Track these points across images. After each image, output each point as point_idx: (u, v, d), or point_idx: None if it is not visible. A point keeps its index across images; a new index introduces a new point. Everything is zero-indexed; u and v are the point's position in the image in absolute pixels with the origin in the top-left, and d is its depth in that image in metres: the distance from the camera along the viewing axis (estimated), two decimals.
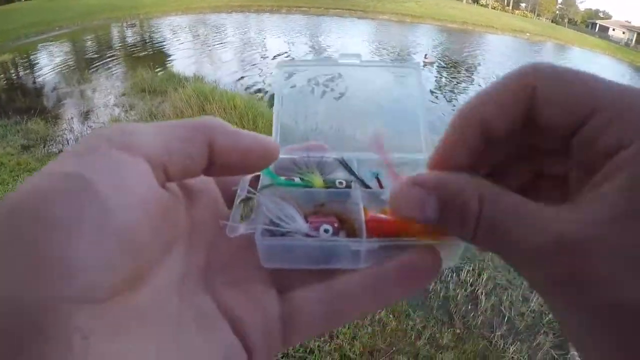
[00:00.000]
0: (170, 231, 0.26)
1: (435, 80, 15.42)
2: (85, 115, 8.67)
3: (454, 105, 11.96)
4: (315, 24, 30.74)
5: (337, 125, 0.44)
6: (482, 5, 75.88)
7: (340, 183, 0.35)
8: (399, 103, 0.44)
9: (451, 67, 18.43)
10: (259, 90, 11.39)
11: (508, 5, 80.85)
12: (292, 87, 0.43)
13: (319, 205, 0.33)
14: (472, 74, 17.88)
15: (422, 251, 0.30)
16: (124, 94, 10.01)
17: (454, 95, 13.62)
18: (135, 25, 24.95)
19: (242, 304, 0.28)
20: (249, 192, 0.32)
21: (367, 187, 0.36)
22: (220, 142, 0.27)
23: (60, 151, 6.69)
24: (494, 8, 72.84)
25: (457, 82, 15.77)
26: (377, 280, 0.29)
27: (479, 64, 20.45)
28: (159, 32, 23.25)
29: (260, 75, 13.12)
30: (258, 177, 0.35)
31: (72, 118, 8.45)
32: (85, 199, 0.21)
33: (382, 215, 0.31)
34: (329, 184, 0.35)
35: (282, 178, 0.35)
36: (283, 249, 0.28)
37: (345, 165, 0.38)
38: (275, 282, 0.30)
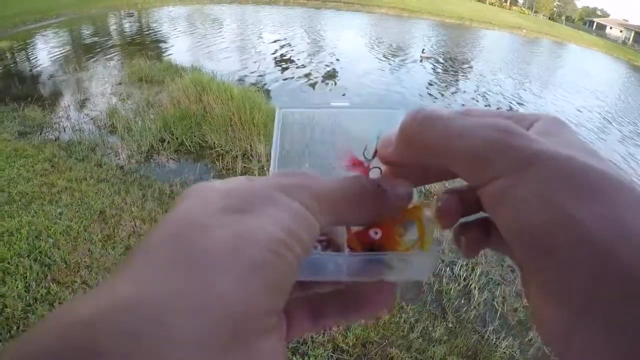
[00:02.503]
0: None
1: (432, 75, 15.44)
2: (82, 104, 8.64)
3: (449, 102, 11.98)
4: (312, 17, 30.65)
5: (328, 163, 0.47)
6: (479, 1, 75.78)
7: None
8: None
9: (447, 62, 18.44)
10: (256, 82, 11.37)
11: (506, 1, 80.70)
12: (290, 126, 0.47)
13: None
14: (468, 69, 17.90)
15: (377, 287, 0.35)
16: (120, 83, 9.98)
17: (449, 90, 13.64)
18: (133, 15, 24.82)
19: None
20: None
21: None
22: None
23: (57, 138, 6.69)
24: (491, 4, 72.75)
25: (453, 78, 15.78)
26: (346, 300, 0.35)
27: (474, 59, 20.48)
28: (157, 21, 23.11)
29: (257, 68, 13.10)
30: None
31: (68, 106, 8.41)
32: None
33: (374, 231, 0.35)
34: None
35: None
36: None
37: None
38: None
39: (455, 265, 4.47)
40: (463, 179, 0.29)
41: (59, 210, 4.56)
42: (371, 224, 0.34)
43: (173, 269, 0.22)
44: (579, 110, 14.10)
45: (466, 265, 4.47)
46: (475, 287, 4.21)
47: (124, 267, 0.23)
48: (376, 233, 0.34)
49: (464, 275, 4.36)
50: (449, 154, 0.28)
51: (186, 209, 0.26)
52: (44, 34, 17.42)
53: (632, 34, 65.94)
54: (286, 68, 13.53)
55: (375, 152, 0.35)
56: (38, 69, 11.85)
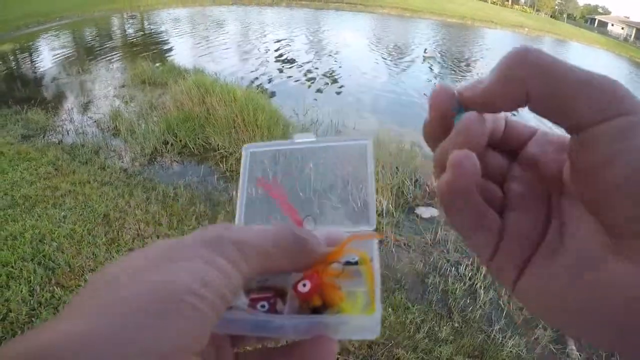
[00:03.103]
0: None
1: (435, 74, 15.44)
2: (85, 106, 8.67)
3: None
4: (315, 18, 30.70)
5: (298, 201, 0.48)
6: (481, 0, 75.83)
7: None
8: (350, 176, 0.49)
9: (450, 61, 18.43)
10: (259, 83, 11.38)
11: (507, 0, 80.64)
12: (258, 165, 0.49)
13: (263, 281, 0.38)
14: (471, 68, 17.88)
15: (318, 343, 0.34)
16: (123, 85, 10.01)
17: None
18: (135, 17, 24.91)
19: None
20: None
21: None
22: None
23: (60, 141, 6.71)
24: (493, 3, 72.77)
25: (456, 77, 15.77)
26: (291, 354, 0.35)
27: (478, 59, 20.46)
28: (160, 24, 23.18)
29: (260, 69, 13.12)
30: None
31: (72, 108, 8.44)
32: None
33: (303, 283, 0.36)
34: None
35: None
36: (226, 321, 0.33)
37: None
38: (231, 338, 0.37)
39: (461, 265, 4.45)
40: (575, 114, 0.26)
41: (62, 213, 4.56)
42: (306, 275, 0.35)
43: (96, 315, 0.24)
44: None
45: (471, 264, 4.46)
46: (480, 287, 4.19)
47: (64, 311, 0.25)
48: (304, 285, 0.35)
49: (469, 274, 4.34)
50: (571, 82, 0.26)
51: (113, 266, 0.28)
52: (46, 36, 17.51)
53: (634, 31, 66.01)
54: (289, 68, 13.54)
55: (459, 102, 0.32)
56: (41, 71, 11.92)
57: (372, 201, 0.46)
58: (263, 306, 0.35)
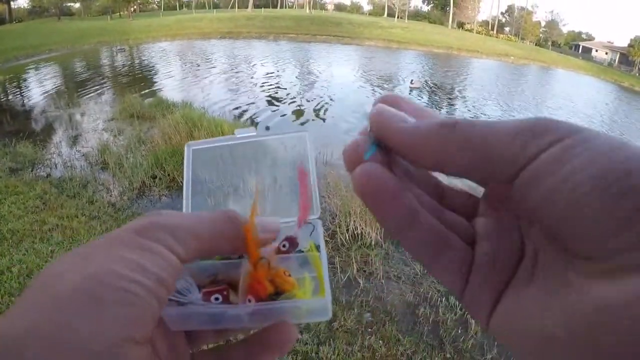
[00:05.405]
0: None
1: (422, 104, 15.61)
2: (74, 140, 8.67)
3: None
4: (302, 50, 31.12)
5: (246, 195, 0.51)
6: (467, 30, 77.21)
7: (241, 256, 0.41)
8: (290, 167, 0.51)
9: (435, 91, 18.74)
10: (247, 117, 11.52)
11: (492, 29, 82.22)
12: (201, 162, 0.50)
13: (213, 276, 0.39)
14: (457, 97, 18.27)
15: (279, 329, 0.36)
16: (112, 119, 10.06)
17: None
18: (124, 50, 25.10)
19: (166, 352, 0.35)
20: None
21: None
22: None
23: (49, 175, 6.68)
24: (478, 33, 73.93)
25: (442, 106, 16.07)
26: (250, 345, 0.37)
27: (463, 87, 20.84)
28: (149, 57, 23.38)
29: (248, 102, 13.25)
30: None
31: (60, 142, 8.46)
32: None
33: (289, 274, 0.38)
34: (225, 255, 0.40)
35: None
36: (182, 316, 0.35)
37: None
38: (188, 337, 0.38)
39: (451, 295, 4.45)
40: (493, 173, 0.25)
41: (50, 248, 4.54)
42: (252, 263, 0.37)
43: (34, 312, 0.25)
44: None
45: None
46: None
47: (8, 312, 0.26)
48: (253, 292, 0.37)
49: (460, 304, 4.31)
50: (496, 137, 0.24)
51: (55, 264, 0.29)
52: (36, 69, 17.56)
53: (618, 56, 67.15)
54: (277, 100, 13.66)
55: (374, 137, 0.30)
56: (30, 104, 11.98)
57: (315, 190, 0.47)
58: (217, 299, 0.36)
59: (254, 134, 0.49)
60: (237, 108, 12.38)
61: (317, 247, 0.41)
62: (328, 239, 5.08)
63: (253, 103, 13.21)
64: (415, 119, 0.28)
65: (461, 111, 15.56)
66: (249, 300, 0.36)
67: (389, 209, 0.28)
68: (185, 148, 0.50)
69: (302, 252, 0.41)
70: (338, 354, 3.47)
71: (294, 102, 13.78)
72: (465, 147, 0.25)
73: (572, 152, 0.22)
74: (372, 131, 0.29)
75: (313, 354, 3.45)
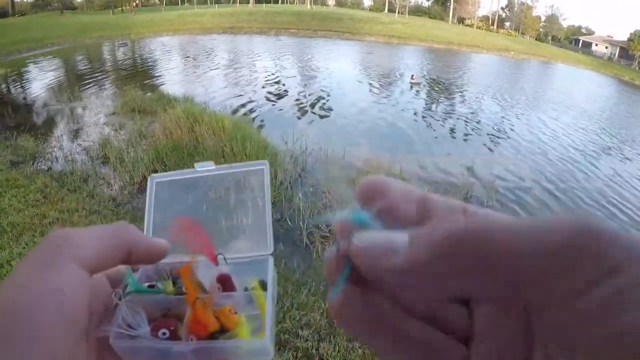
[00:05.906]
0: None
1: (421, 99, 15.67)
2: (75, 133, 8.70)
3: (433, 129, 11.95)
4: (304, 46, 31.07)
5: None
6: (467, 25, 76.82)
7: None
8: (250, 202, 0.52)
9: (436, 86, 18.74)
10: (248, 112, 11.54)
11: (492, 24, 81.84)
12: (162, 193, 0.52)
13: (165, 310, 0.40)
14: (458, 92, 18.32)
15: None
16: (114, 113, 10.07)
17: (439, 113, 13.86)
18: (126, 45, 25.05)
19: None
20: (119, 297, 0.39)
21: (205, 291, 0.42)
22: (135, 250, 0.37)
23: (50, 168, 6.70)
24: (478, 28, 73.56)
25: (443, 101, 16.14)
26: None
27: (464, 83, 20.89)
28: (150, 52, 23.32)
29: (249, 97, 13.27)
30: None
31: (61, 135, 8.49)
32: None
33: (234, 311, 0.39)
34: (179, 290, 0.41)
35: (145, 285, 0.42)
36: (131, 349, 0.36)
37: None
38: None
39: None
40: (517, 299, 0.21)
41: None
42: (189, 301, 0.38)
43: None
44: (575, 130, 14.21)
45: None
46: None
47: None
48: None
49: None
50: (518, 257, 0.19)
51: None
52: (38, 62, 17.53)
53: (617, 50, 66.66)
54: (278, 96, 13.67)
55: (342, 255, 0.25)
56: (31, 97, 11.95)
57: (269, 227, 0.48)
58: (164, 333, 0.37)
59: (213, 167, 0.51)
60: (238, 103, 12.37)
61: (264, 285, 0.42)
62: (328, 235, 5.09)
63: (253, 97, 13.22)
64: (406, 210, 0.24)
65: (463, 105, 15.59)
66: (191, 339, 0.37)
67: (369, 339, 0.25)
68: (149, 181, 0.52)
69: (247, 290, 0.42)
70: (339, 351, 3.45)
71: (294, 97, 13.78)
72: (479, 268, 0.20)
73: (631, 296, 0.17)
74: (347, 255, 0.25)
75: (313, 351, 3.44)
